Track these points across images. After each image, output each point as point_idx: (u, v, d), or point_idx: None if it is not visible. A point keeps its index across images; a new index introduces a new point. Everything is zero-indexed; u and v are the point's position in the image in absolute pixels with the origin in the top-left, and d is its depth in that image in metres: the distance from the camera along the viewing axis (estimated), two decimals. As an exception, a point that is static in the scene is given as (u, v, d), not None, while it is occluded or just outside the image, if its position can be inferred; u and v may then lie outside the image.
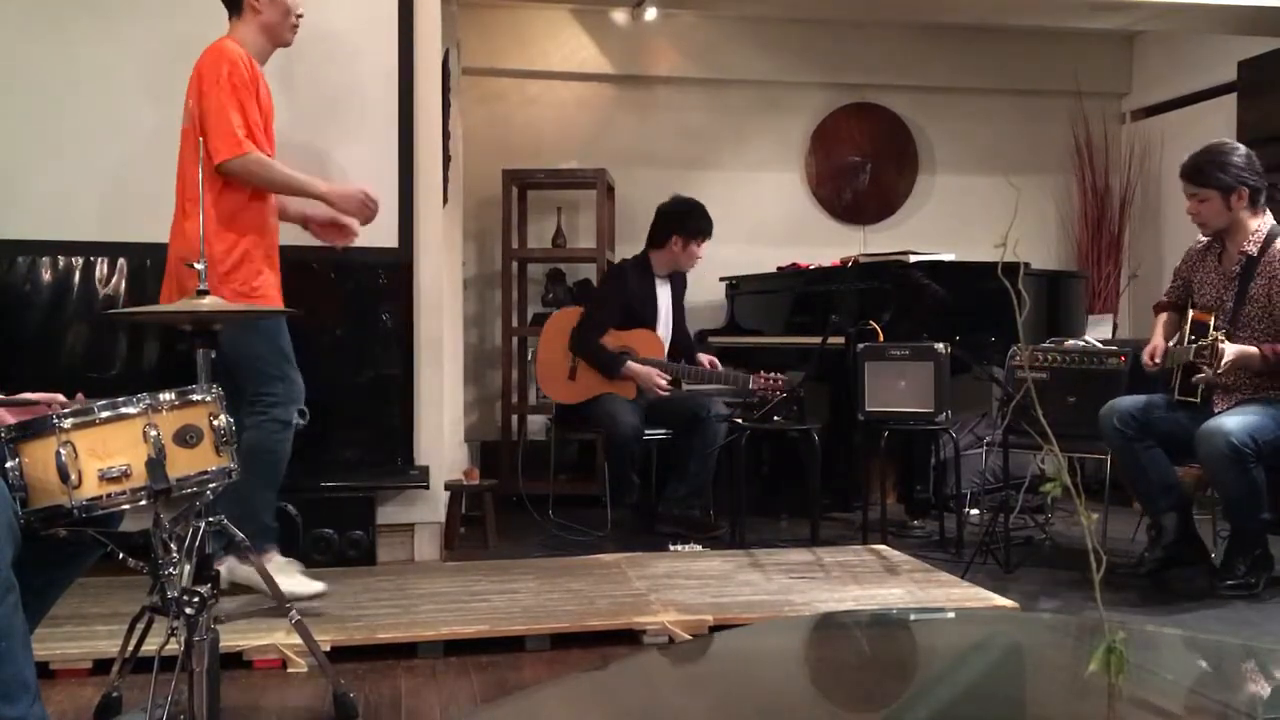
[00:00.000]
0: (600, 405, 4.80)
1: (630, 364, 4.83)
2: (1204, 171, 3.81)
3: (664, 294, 5.06)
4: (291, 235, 3.77)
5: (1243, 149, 3.83)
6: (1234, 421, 3.57)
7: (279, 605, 2.64)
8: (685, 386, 5.13)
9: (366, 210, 3.51)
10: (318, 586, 3.38)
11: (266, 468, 3.35)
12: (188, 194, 3.33)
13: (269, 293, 3.39)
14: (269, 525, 3.41)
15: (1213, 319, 3.80)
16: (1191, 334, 3.83)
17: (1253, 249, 3.77)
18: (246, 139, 3.24)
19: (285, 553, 3.54)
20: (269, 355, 3.35)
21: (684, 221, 4.99)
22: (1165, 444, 3.79)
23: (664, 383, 4.82)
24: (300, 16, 3.48)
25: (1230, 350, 3.57)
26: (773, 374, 4.76)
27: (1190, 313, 3.90)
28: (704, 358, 5.05)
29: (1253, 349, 3.64)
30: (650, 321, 4.97)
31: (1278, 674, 1.86)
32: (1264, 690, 1.76)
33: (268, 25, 3.41)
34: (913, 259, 5.06)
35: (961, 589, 3.66)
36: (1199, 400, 3.77)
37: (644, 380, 4.82)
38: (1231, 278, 3.83)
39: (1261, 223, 3.80)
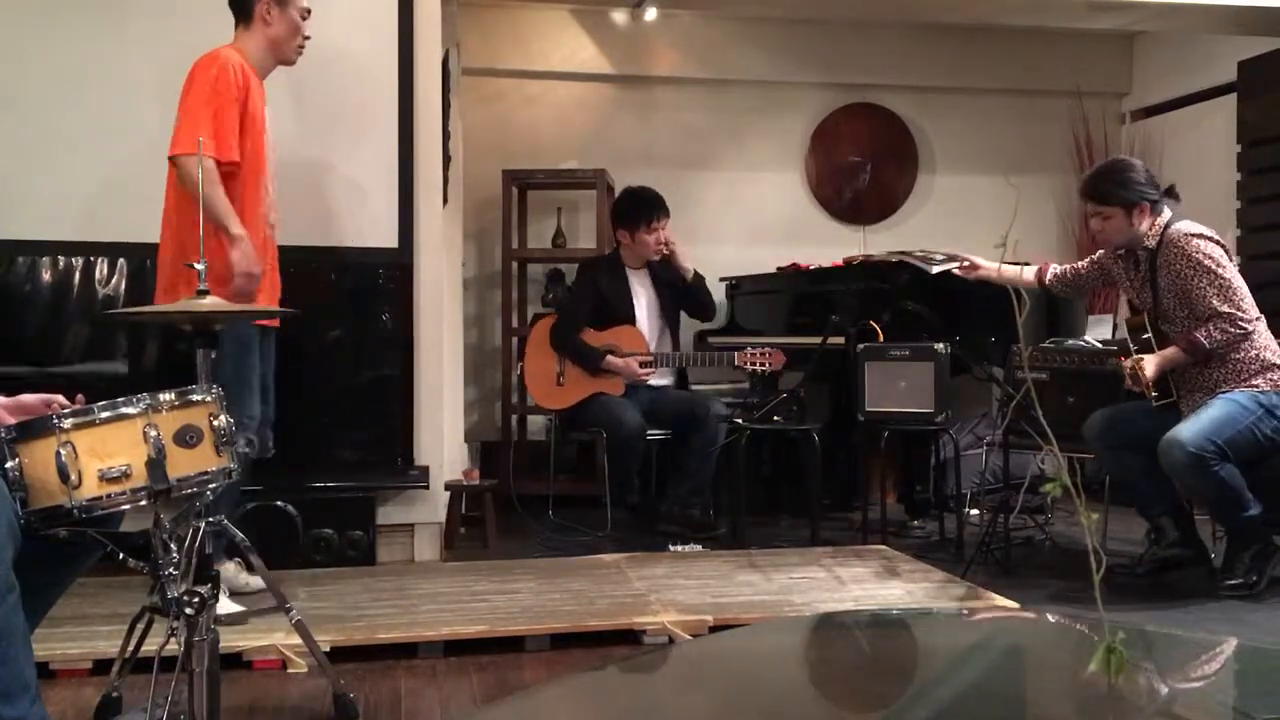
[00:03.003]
0: (599, 407, 4.80)
1: (610, 358, 4.85)
2: (1105, 190, 3.85)
3: (642, 286, 5.03)
4: (291, 235, 3.77)
5: (1139, 165, 3.90)
6: (1189, 430, 3.57)
7: (279, 605, 2.65)
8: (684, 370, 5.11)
9: (246, 287, 3.26)
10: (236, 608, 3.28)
11: None
12: (180, 199, 3.32)
13: (262, 304, 3.36)
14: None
15: (1145, 320, 3.84)
16: (1131, 341, 3.88)
17: (1152, 243, 3.80)
18: (208, 140, 3.18)
19: (286, 553, 3.54)
20: (228, 377, 3.29)
21: (620, 214, 5.05)
22: (1152, 449, 3.77)
23: (645, 372, 4.84)
24: (307, 38, 3.48)
25: (1150, 366, 3.69)
26: (762, 348, 4.76)
27: (1126, 319, 3.97)
28: None
29: (1171, 350, 3.72)
30: (628, 316, 4.96)
31: (1277, 675, 1.86)
32: (1263, 691, 1.76)
33: (274, 40, 3.40)
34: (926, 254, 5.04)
35: (961, 589, 3.67)
36: (1175, 401, 3.79)
37: (625, 372, 4.83)
38: (1145, 277, 3.87)
39: (1159, 220, 3.81)
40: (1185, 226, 3.78)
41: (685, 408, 4.82)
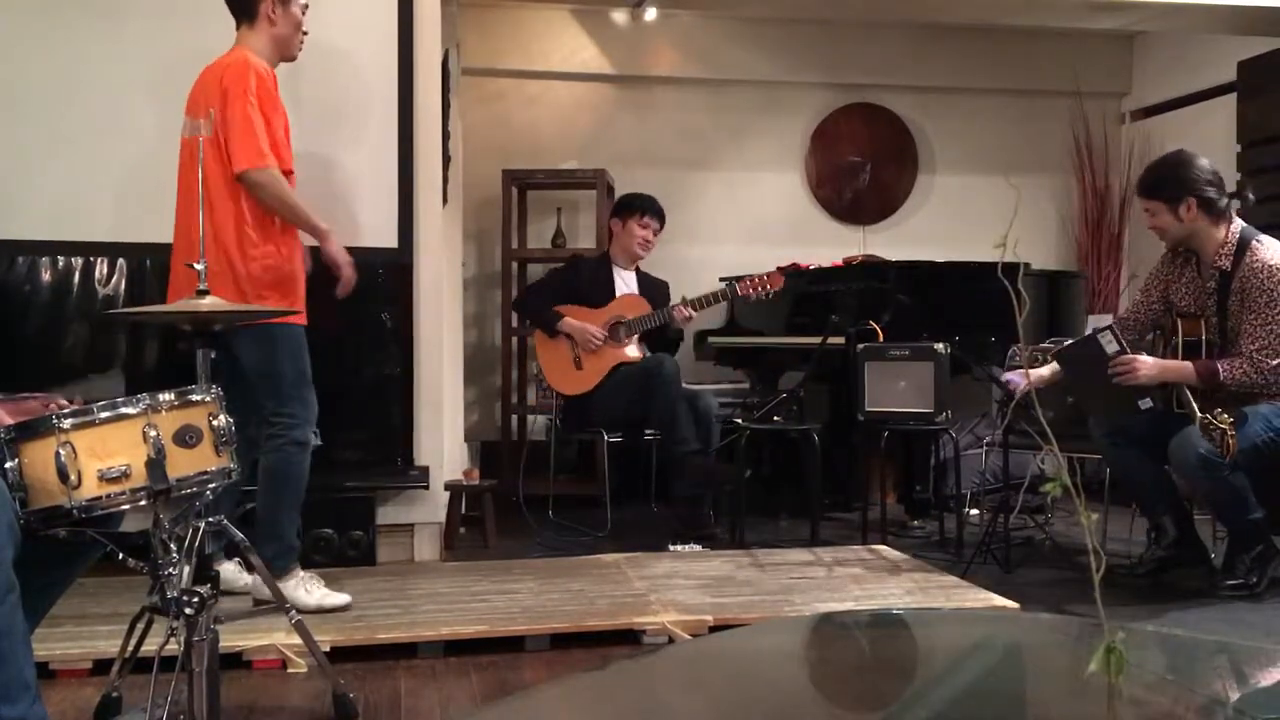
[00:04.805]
0: (628, 370, 4.79)
1: (567, 319, 4.89)
2: (1147, 183, 3.78)
3: (626, 285, 5.06)
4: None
5: (1200, 161, 3.74)
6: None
7: (279, 605, 2.65)
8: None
9: (350, 272, 3.46)
10: (343, 599, 3.38)
11: (290, 490, 3.35)
12: (212, 204, 3.29)
13: (302, 309, 3.39)
14: (293, 544, 3.39)
15: (1203, 331, 3.72)
16: (1186, 351, 3.75)
17: (1225, 263, 3.68)
18: (270, 152, 3.23)
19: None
20: (291, 375, 3.34)
21: (619, 204, 5.15)
22: (1157, 449, 3.74)
23: (599, 337, 4.84)
24: (306, 34, 3.49)
25: (1154, 368, 3.60)
26: (758, 275, 4.80)
27: (1179, 323, 3.77)
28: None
29: (1185, 368, 3.60)
30: (609, 302, 4.99)
31: (1277, 675, 1.86)
32: (1263, 691, 1.76)
33: (279, 38, 3.40)
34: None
35: (961, 589, 3.66)
36: (1189, 414, 3.73)
37: (579, 335, 4.86)
38: (1209, 292, 3.76)
39: (1231, 232, 3.70)
40: (1271, 255, 3.60)
41: (637, 372, 4.76)
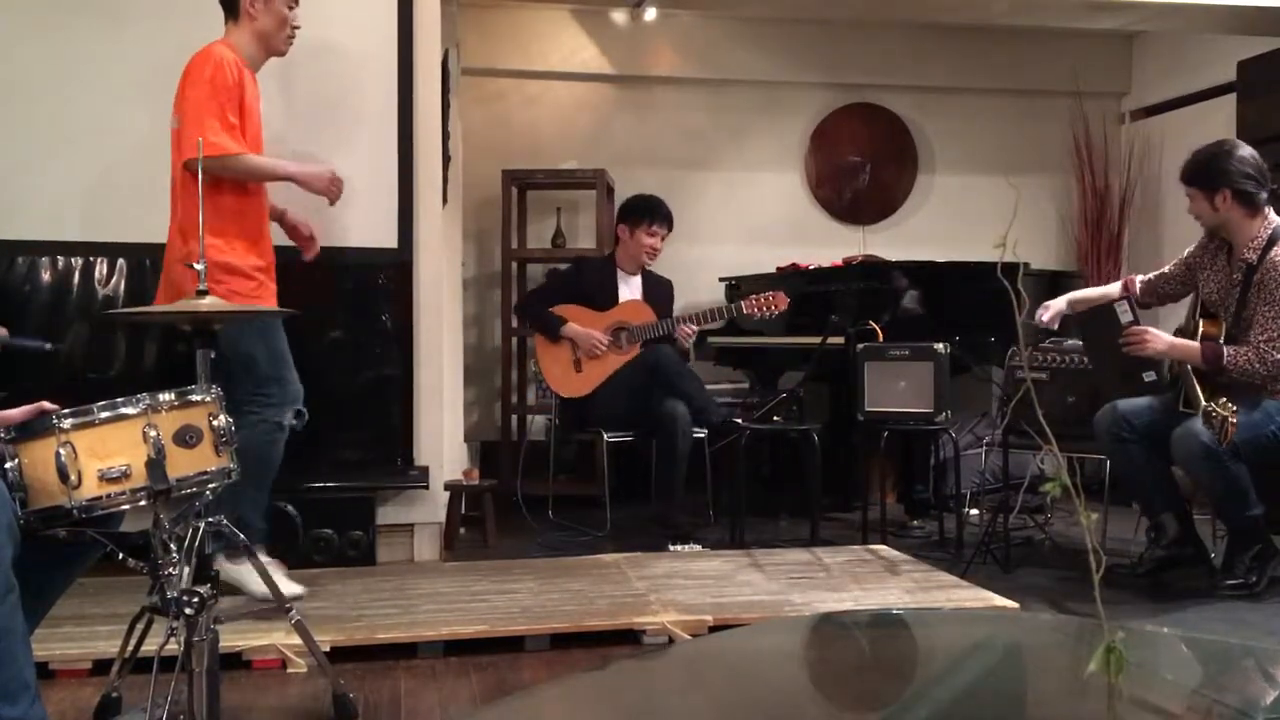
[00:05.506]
0: (625, 368, 4.80)
1: (570, 325, 4.87)
2: (1189, 170, 3.81)
3: (629, 289, 5.05)
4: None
5: (1242, 151, 3.76)
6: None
7: (279, 605, 2.65)
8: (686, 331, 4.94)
9: (334, 189, 3.50)
10: (296, 589, 3.34)
11: (257, 469, 3.30)
12: (177, 196, 3.34)
13: (265, 295, 3.38)
14: (258, 526, 3.38)
15: (1221, 333, 3.73)
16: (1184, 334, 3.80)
17: (1252, 256, 3.70)
18: (219, 138, 3.22)
19: (286, 553, 3.55)
20: (263, 356, 3.34)
21: (626, 210, 5.09)
22: (1160, 446, 3.75)
23: (604, 343, 4.84)
24: (297, 28, 3.49)
25: (1161, 343, 3.66)
26: (764, 294, 4.81)
27: (1200, 324, 3.80)
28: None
29: (1192, 348, 3.65)
30: (612, 306, 4.98)
31: (1277, 675, 1.86)
32: (1264, 691, 1.76)
33: (262, 33, 3.41)
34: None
35: (961, 589, 3.66)
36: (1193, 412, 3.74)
37: (583, 340, 4.85)
38: (1234, 284, 3.78)
39: (1265, 226, 3.72)
40: None
41: (652, 410, 4.74)
